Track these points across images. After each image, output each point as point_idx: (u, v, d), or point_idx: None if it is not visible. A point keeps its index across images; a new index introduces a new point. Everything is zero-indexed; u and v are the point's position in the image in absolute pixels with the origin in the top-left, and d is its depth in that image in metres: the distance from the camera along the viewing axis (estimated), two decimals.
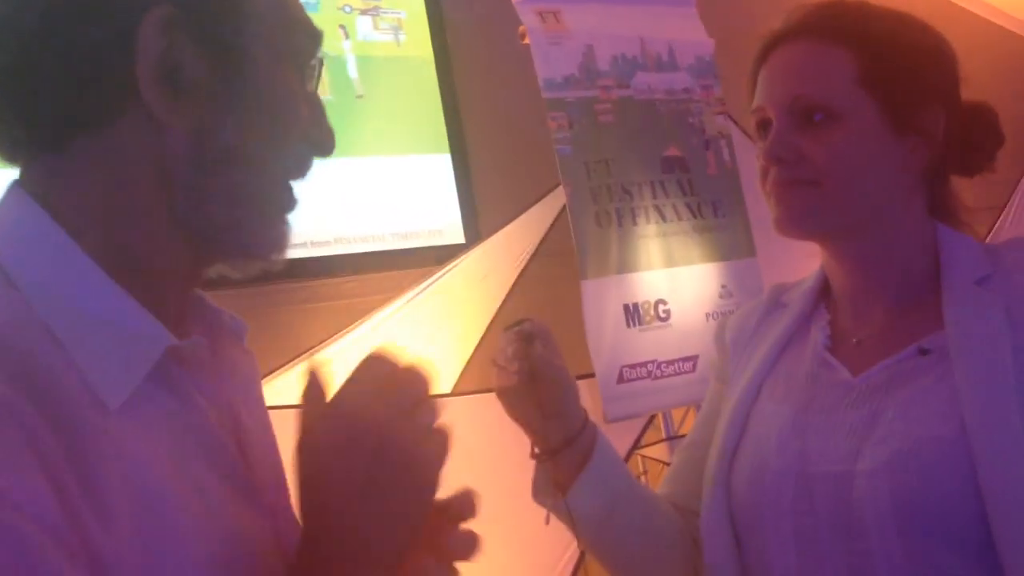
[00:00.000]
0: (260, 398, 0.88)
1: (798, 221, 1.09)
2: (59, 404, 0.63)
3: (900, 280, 1.10)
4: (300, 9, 0.80)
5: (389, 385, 0.71)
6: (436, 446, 0.71)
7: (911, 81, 1.07)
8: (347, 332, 2.53)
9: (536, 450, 1.16)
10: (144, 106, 0.70)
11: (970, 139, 1.10)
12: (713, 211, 2.80)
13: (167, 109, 0.70)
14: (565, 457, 1.12)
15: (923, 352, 1.04)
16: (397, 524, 0.70)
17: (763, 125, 1.11)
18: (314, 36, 0.81)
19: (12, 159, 0.74)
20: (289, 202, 0.80)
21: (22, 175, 0.74)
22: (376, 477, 0.68)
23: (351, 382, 0.71)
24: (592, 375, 2.54)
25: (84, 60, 0.69)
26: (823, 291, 1.19)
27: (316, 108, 0.81)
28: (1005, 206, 3.61)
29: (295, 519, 0.81)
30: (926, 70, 1.08)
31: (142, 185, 0.72)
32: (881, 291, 1.11)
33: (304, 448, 0.70)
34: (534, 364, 1.10)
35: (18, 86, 0.70)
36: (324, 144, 0.81)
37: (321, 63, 0.82)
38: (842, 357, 1.10)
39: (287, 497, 0.84)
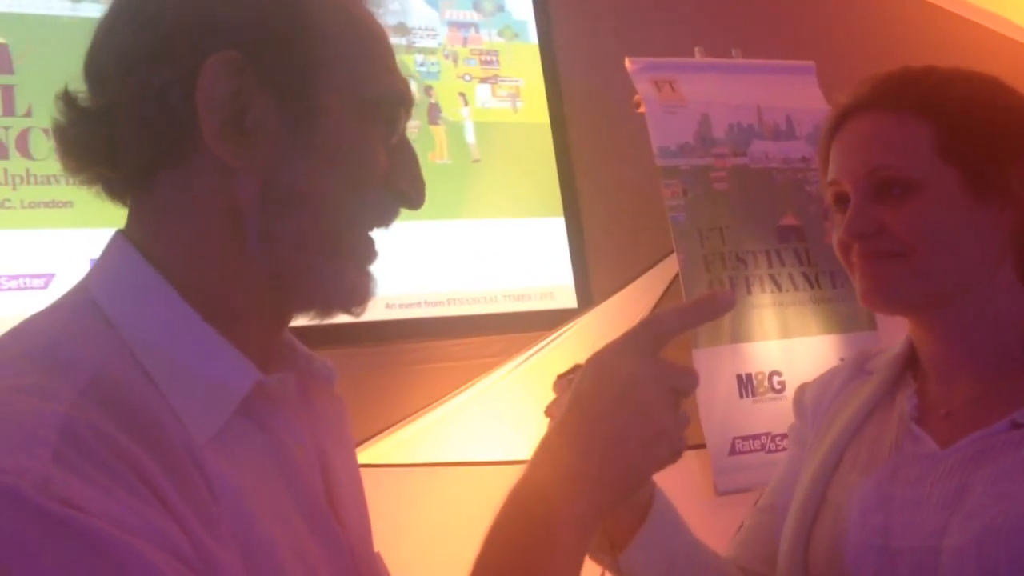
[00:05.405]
0: (350, 443, 0.89)
1: (886, 294, 1.07)
2: (155, 438, 0.64)
3: (991, 350, 1.06)
4: (387, 61, 0.78)
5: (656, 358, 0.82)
6: (675, 416, 0.81)
7: (991, 145, 1.03)
8: (456, 395, 2.54)
9: None
10: (211, 149, 0.71)
11: None
12: (831, 282, 2.72)
13: (232, 153, 0.71)
14: (619, 514, 1.04)
15: (1016, 425, 0.99)
16: (621, 463, 0.79)
17: (840, 199, 1.09)
18: (402, 89, 0.78)
19: (110, 196, 0.77)
20: (368, 252, 0.78)
21: (127, 223, 0.77)
22: (612, 421, 0.79)
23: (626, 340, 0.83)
24: (703, 446, 2.49)
25: (154, 101, 0.70)
26: (910, 360, 1.15)
27: (405, 159, 0.79)
28: None
29: (374, 561, 0.84)
30: (1005, 130, 1.04)
31: (216, 226, 0.73)
32: (971, 361, 1.07)
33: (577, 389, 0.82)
34: None
35: (102, 127, 0.72)
36: (410, 196, 0.79)
37: (407, 110, 0.79)
38: (929, 428, 1.06)
39: (369, 540, 0.85)
